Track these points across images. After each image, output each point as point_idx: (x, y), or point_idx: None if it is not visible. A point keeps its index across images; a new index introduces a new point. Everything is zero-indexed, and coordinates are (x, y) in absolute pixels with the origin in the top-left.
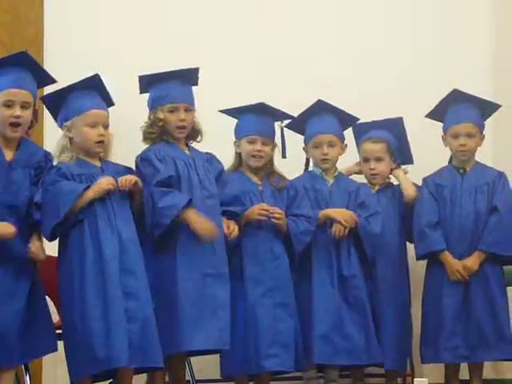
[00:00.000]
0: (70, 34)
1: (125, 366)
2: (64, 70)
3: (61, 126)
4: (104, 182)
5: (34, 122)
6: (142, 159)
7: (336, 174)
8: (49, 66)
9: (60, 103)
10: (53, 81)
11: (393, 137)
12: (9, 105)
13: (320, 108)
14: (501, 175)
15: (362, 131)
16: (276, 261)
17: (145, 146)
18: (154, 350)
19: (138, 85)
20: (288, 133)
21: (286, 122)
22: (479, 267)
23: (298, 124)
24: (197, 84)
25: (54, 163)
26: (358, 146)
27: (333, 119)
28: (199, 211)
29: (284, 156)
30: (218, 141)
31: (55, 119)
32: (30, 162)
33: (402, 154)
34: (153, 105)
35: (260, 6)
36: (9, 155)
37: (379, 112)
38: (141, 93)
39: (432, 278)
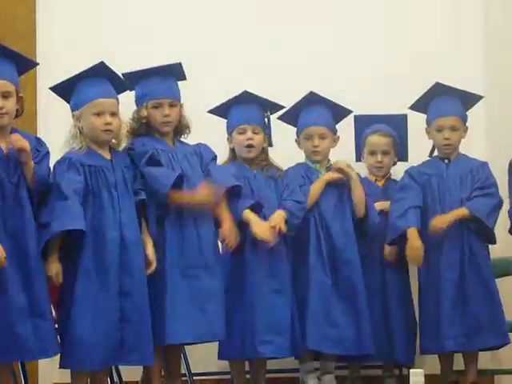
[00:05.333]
0: (63, 29)
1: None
2: (57, 65)
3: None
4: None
5: (19, 111)
6: (130, 149)
7: (328, 165)
8: (42, 62)
9: (69, 92)
10: (34, 64)
11: (395, 133)
12: None
13: (312, 100)
14: (484, 164)
15: (365, 124)
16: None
17: None
18: (148, 348)
19: None
20: (281, 125)
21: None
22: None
23: (291, 116)
24: (184, 78)
25: (65, 151)
26: (359, 138)
27: (325, 111)
28: None
29: (270, 144)
30: (209, 135)
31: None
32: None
33: (400, 150)
34: (138, 102)
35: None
36: (4, 145)
37: (375, 107)
38: (129, 90)
39: (427, 271)
